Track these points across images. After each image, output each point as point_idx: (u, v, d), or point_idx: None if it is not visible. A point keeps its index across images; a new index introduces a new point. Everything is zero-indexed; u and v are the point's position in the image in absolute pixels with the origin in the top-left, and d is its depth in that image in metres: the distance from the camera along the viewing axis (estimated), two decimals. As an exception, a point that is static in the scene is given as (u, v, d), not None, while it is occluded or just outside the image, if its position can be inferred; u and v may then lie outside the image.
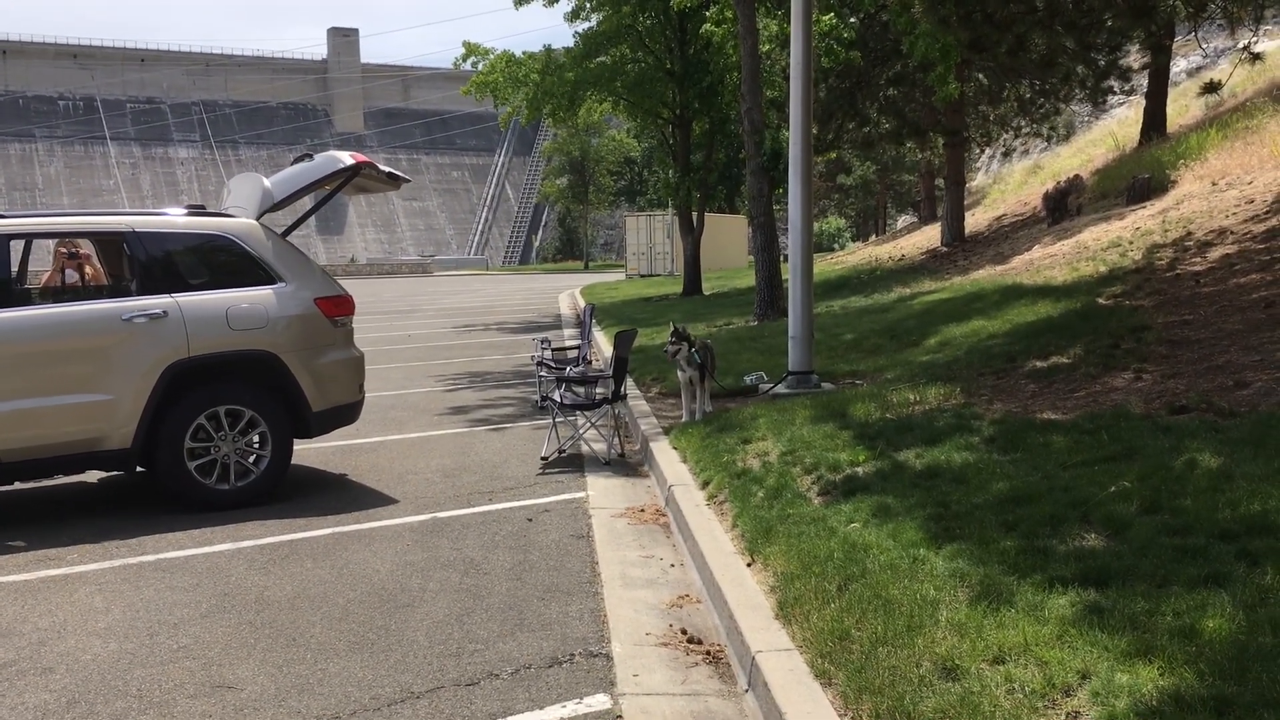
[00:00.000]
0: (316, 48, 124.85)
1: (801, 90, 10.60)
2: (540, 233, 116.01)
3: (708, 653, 4.83)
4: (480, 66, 28.47)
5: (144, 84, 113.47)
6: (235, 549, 6.64)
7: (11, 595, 5.84)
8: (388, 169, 8.70)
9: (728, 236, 53.71)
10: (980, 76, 27.36)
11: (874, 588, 4.69)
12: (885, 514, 5.77)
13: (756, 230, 19.16)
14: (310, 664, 4.75)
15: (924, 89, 23.47)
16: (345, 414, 8.33)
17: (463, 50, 28.50)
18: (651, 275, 50.45)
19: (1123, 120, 35.20)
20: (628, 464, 9.08)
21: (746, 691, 4.37)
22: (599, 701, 4.29)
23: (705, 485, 7.34)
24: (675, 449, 8.71)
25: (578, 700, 4.30)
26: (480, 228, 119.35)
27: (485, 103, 30.52)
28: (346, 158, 8.25)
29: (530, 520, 7.19)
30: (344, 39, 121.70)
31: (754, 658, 4.35)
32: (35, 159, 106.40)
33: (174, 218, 7.84)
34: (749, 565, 5.58)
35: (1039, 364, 9.32)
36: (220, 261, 7.88)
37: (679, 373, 9.73)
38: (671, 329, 9.60)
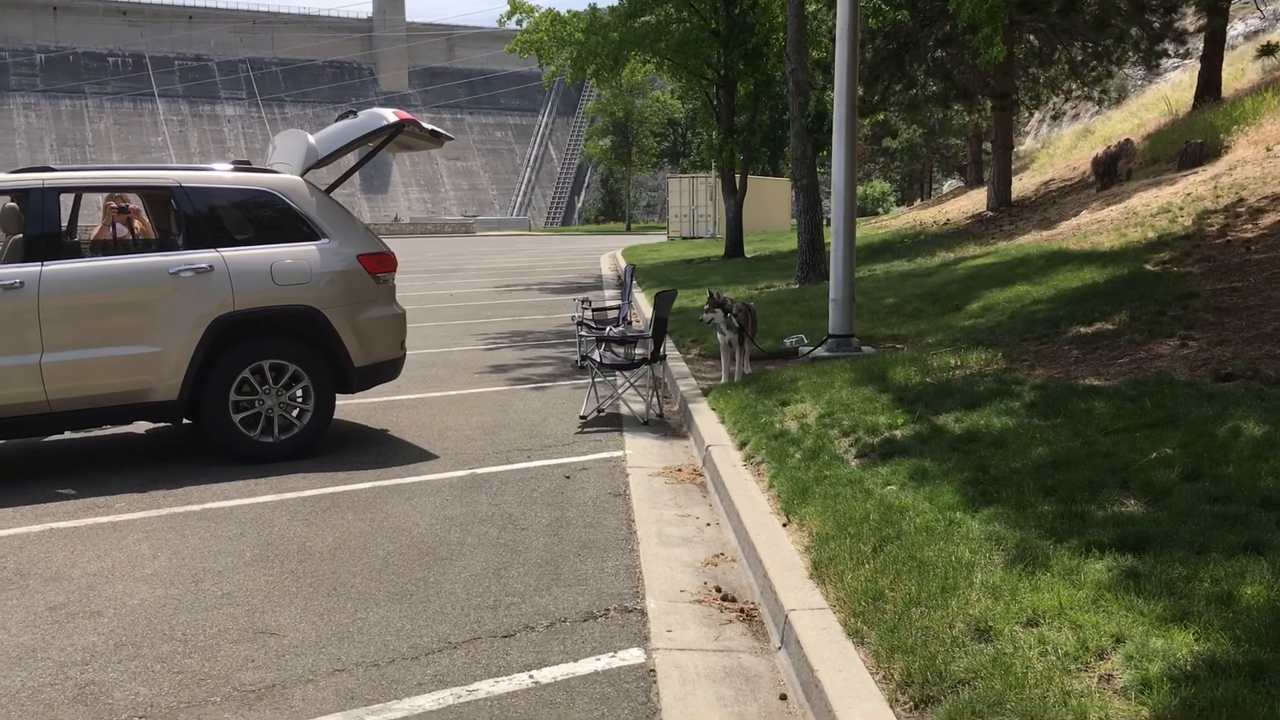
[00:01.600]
0: (362, 6, 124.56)
1: (847, 51, 10.48)
2: (583, 194, 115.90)
3: (741, 610, 4.86)
4: (525, 24, 28.39)
5: (191, 41, 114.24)
6: (278, 500, 6.75)
7: (62, 541, 5.99)
8: (430, 126, 8.72)
9: (771, 199, 53.41)
10: (1031, 38, 26.91)
11: (909, 549, 4.69)
12: (922, 477, 5.76)
13: (799, 193, 19.02)
14: (350, 613, 4.84)
15: (972, 51, 23.09)
16: (387, 370, 8.41)
17: (507, 8, 28.40)
18: (693, 237, 50.29)
19: (1176, 84, 34.51)
20: (666, 424, 9.11)
21: (779, 649, 4.40)
22: (633, 655, 4.34)
23: (743, 446, 7.36)
24: (714, 410, 8.72)
25: (612, 654, 4.36)
26: (523, 188, 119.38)
27: (529, 62, 30.54)
28: (390, 115, 8.27)
29: (568, 478, 7.25)
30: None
31: (787, 616, 4.38)
32: (85, 115, 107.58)
33: (220, 173, 7.92)
34: (784, 525, 5.60)
35: (1083, 330, 9.22)
36: (265, 217, 7.95)
37: (719, 335, 9.73)
38: (708, 295, 9.60)
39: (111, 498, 6.86)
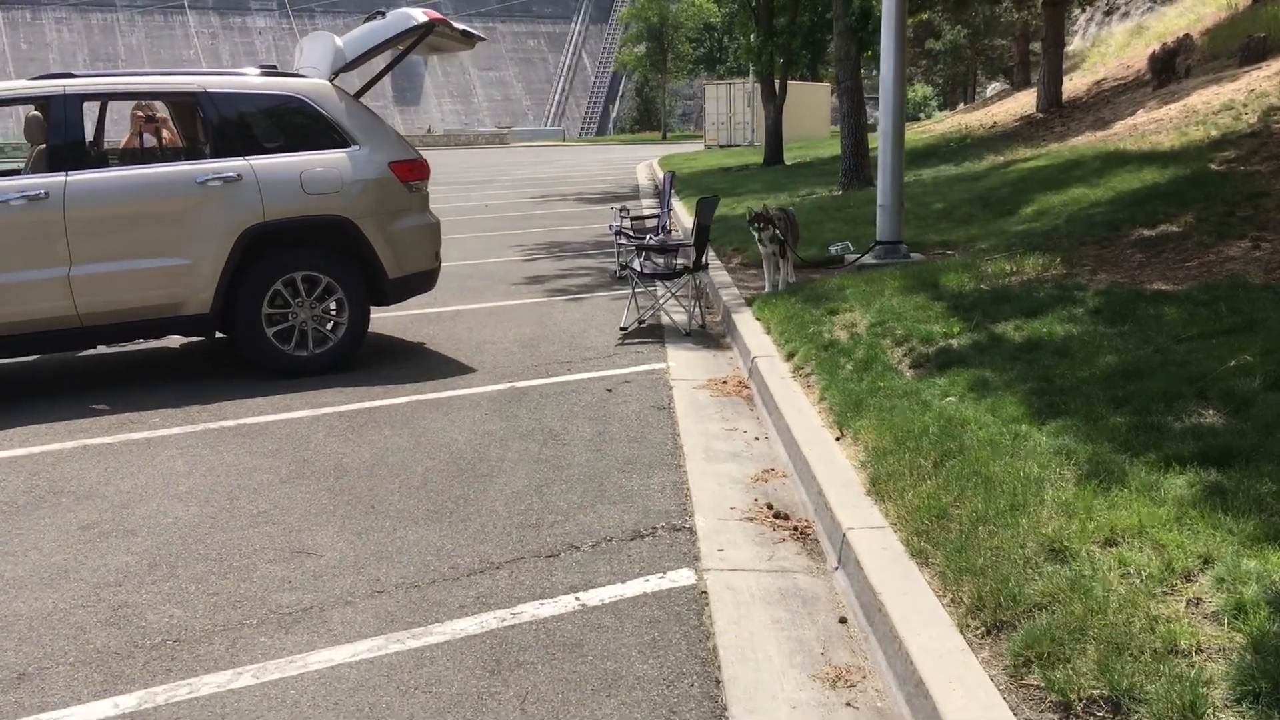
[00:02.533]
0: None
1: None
2: (617, 103, 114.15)
3: (795, 529, 4.65)
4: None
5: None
6: (314, 415, 6.59)
7: (95, 457, 5.86)
8: (461, 26, 8.36)
9: (810, 105, 52.24)
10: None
11: (973, 464, 4.44)
12: (983, 388, 5.48)
13: (842, 95, 18.41)
14: (389, 532, 4.67)
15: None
16: (422, 282, 8.18)
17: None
18: (731, 145, 49.43)
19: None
20: (709, 335, 8.85)
21: (836, 569, 4.19)
22: (683, 576, 4.15)
23: (790, 357, 7.09)
24: (758, 320, 8.45)
25: (660, 575, 4.16)
26: (556, 98, 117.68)
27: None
28: (419, 15, 7.91)
29: (610, 391, 7.03)
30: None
31: (845, 535, 4.16)
32: (117, 29, 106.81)
33: (246, 78, 7.62)
34: (838, 440, 5.36)
35: (1146, 233, 8.81)
36: (293, 124, 7.67)
37: (760, 246, 9.40)
38: (750, 214, 9.24)
39: (146, 413, 6.73)
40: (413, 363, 8.02)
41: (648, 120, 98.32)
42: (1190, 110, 16.03)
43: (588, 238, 15.98)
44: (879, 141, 10.33)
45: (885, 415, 5.29)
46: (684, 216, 16.92)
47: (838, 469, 4.90)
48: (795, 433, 5.52)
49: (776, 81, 29.74)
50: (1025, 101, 30.19)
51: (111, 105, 8.25)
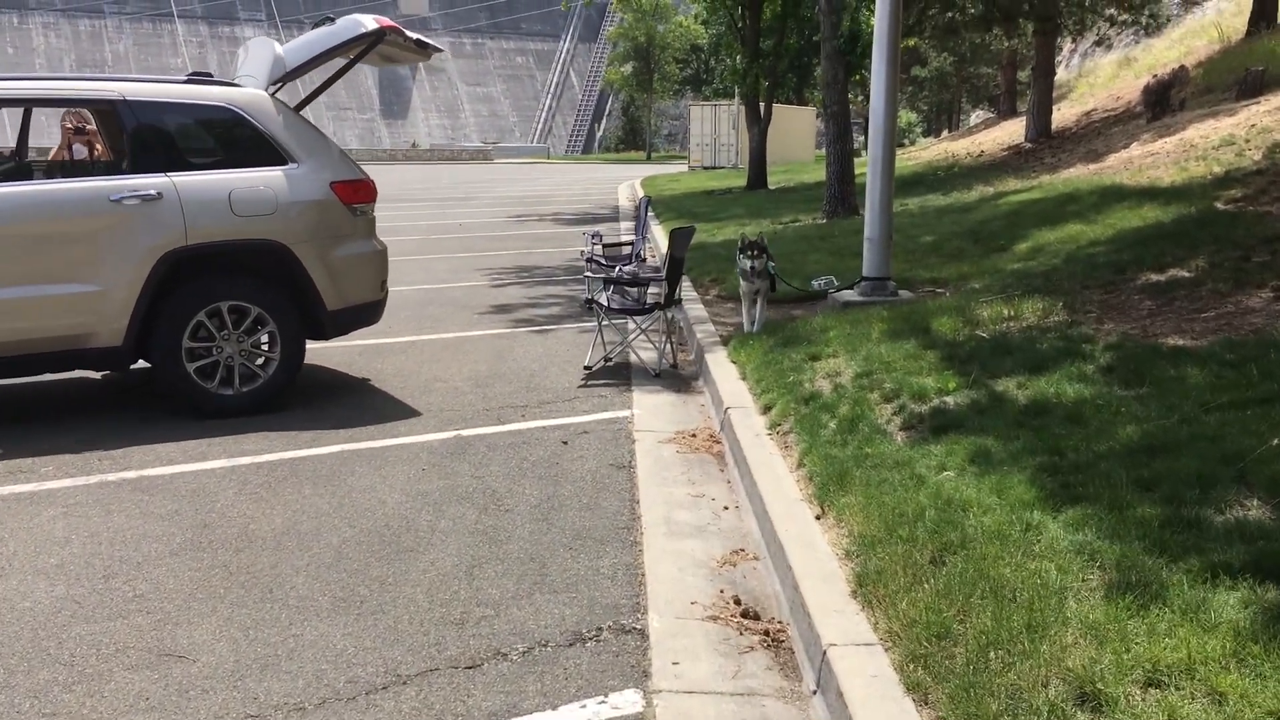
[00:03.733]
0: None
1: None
2: (604, 122, 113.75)
3: (766, 633, 3.93)
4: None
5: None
6: (229, 467, 5.84)
7: (-34, 517, 5.10)
8: (416, 36, 7.65)
9: (795, 129, 51.77)
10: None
11: (978, 563, 3.73)
12: (985, 461, 4.78)
13: (829, 120, 17.80)
14: (284, 627, 3.92)
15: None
16: (364, 314, 7.44)
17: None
18: (715, 167, 48.86)
19: (1220, 11, 32.81)
20: (680, 376, 8.15)
21: (814, 694, 3.47)
22: (628, 701, 3.41)
23: (767, 410, 6.39)
24: (734, 363, 7.75)
25: (601, 698, 3.43)
26: (543, 115, 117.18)
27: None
28: (370, 22, 7.21)
29: (566, 443, 6.31)
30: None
31: (825, 652, 3.44)
32: (105, 35, 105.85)
33: (171, 85, 6.88)
34: (818, 518, 4.64)
35: (1154, 277, 8.16)
36: (224, 137, 6.95)
37: (741, 281, 8.68)
38: (743, 242, 8.54)
39: (40, 459, 5.95)
40: (352, 403, 7.27)
41: (633, 140, 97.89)
42: (1188, 144, 15.47)
43: (560, 261, 15.27)
44: (867, 170, 9.67)
45: (873, 491, 4.59)
46: (662, 242, 16.23)
47: (818, 557, 4.18)
48: (770, 506, 4.81)
49: (762, 104, 29.16)
50: (1012, 130, 29.72)
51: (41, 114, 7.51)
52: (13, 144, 8.16)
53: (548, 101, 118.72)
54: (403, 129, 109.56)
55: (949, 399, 5.83)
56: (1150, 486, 4.25)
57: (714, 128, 51.36)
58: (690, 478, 5.73)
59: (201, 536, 4.81)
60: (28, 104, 6.95)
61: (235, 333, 6.82)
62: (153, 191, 6.51)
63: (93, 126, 8.99)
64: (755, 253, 8.41)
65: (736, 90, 33.63)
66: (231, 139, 6.92)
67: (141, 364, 6.90)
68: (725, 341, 8.45)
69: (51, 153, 9.35)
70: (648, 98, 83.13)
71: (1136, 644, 3.11)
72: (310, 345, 7.65)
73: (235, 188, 6.72)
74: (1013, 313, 7.68)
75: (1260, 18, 24.63)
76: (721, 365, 7.73)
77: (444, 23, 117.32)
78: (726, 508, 5.28)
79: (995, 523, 4.07)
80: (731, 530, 4.97)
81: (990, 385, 5.92)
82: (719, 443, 6.35)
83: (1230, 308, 6.96)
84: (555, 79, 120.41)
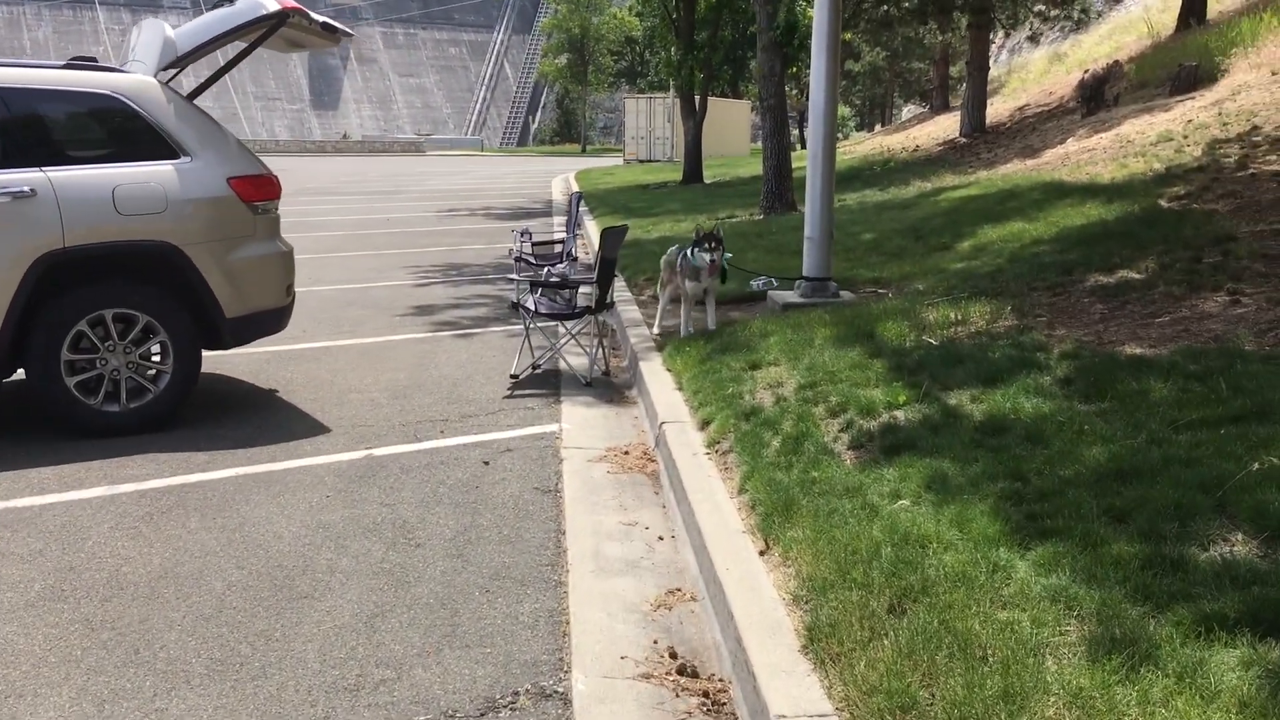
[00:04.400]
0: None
1: (832, -60, 8.88)
2: (539, 114, 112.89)
3: (705, 694, 3.46)
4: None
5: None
6: (108, 496, 5.24)
7: None
8: (323, 19, 7.06)
9: (730, 122, 51.55)
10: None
11: (942, 614, 3.31)
12: (943, 487, 4.37)
13: (765, 114, 17.41)
14: (146, 700, 3.38)
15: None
16: (267, 321, 6.84)
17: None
18: (650, 161, 48.43)
19: (1148, 8, 33.01)
20: (613, 385, 7.68)
21: (761, 773, 3.02)
22: (545, 790, 2.93)
23: (705, 425, 5.93)
24: (669, 371, 7.29)
25: (514, 786, 2.95)
26: (478, 107, 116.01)
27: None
28: (272, 3, 6.61)
29: (487, 463, 5.80)
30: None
31: (773, 725, 2.99)
32: (23, 22, 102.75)
33: (47, 71, 6.22)
34: (762, 554, 4.19)
35: (1103, 279, 7.84)
36: (107, 128, 6.32)
37: (686, 283, 8.18)
38: (699, 234, 8.06)
39: (-106, 489, 5.32)
40: (257, 418, 6.69)
41: (568, 132, 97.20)
42: (1124, 140, 15.32)
43: (490, 259, 14.70)
44: (807, 166, 9.26)
45: (823, 524, 4.15)
46: (595, 239, 15.74)
47: (763, 603, 3.73)
48: (709, 538, 4.35)
49: (697, 97, 28.76)
50: (947, 125, 29.66)
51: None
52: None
53: (482, 93, 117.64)
54: (334, 120, 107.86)
55: (899, 414, 5.42)
56: (1124, 517, 3.86)
57: (649, 121, 50.93)
58: (622, 502, 5.26)
59: (65, 583, 4.24)
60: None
61: (121, 343, 6.21)
62: (25, 188, 5.87)
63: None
64: (714, 245, 7.93)
65: (671, 83, 33.19)
66: (116, 130, 6.30)
67: (20, 376, 6.28)
68: (660, 348, 7.99)
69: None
70: (582, 90, 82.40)
71: (1128, 717, 2.70)
72: (214, 354, 7.08)
73: (120, 184, 6.10)
74: (960, 316, 7.32)
75: (1190, 13, 24.70)
76: (657, 374, 7.27)
77: (375, 12, 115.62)
78: (661, 538, 4.82)
79: (958, 563, 3.65)
80: (667, 565, 4.51)
81: (943, 399, 5.52)
82: (654, 461, 5.89)
83: (1185, 312, 6.64)
84: (489, 70, 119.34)
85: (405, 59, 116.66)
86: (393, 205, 25.32)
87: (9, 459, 5.76)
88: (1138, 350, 5.94)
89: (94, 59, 6.65)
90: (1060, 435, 4.73)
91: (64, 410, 6.11)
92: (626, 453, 6.03)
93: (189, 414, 6.60)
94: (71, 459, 5.77)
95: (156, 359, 6.36)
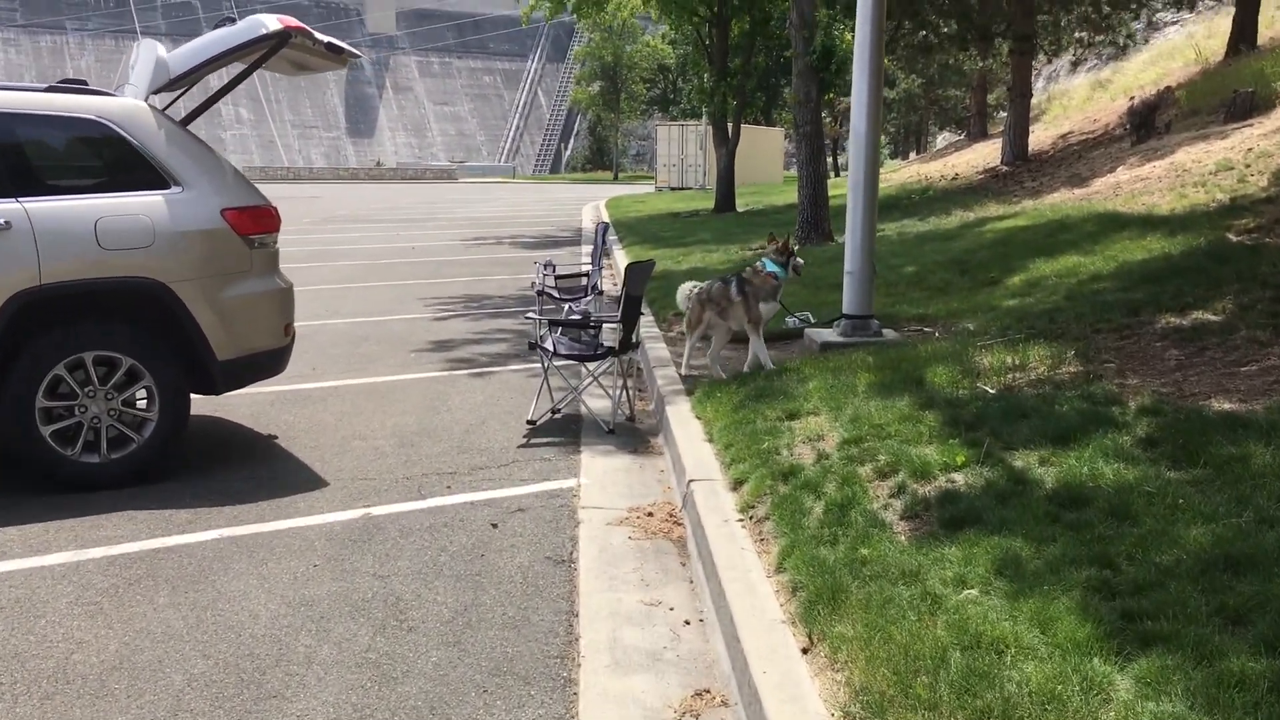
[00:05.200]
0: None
1: (877, -44, 8.33)
2: (571, 141, 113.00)
3: (739, 841, 2.86)
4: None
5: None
6: (72, 563, 4.71)
7: None
8: (328, 39, 6.58)
9: (763, 149, 51.06)
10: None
11: (1031, 749, 2.69)
12: (1017, 574, 3.75)
13: (801, 141, 16.86)
14: (67, 839, 2.82)
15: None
16: (264, 363, 6.32)
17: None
18: (682, 188, 47.97)
19: (1191, 35, 32.22)
20: (637, 431, 7.10)
21: None
22: None
23: (738, 485, 5.33)
24: (699, 419, 6.70)
25: None
26: (511, 135, 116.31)
27: (519, 4, 28.01)
28: (273, 22, 6.13)
29: (495, 526, 5.23)
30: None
31: None
32: (66, 52, 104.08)
33: (28, 95, 5.75)
34: (805, 651, 3.58)
35: (1175, 321, 7.19)
36: (92, 156, 5.86)
37: (761, 305, 7.56)
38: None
39: None
40: (249, 469, 6.16)
41: (600, 160, 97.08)
42: (1180, 169, 14.63)
43: (513, 290, 14.18)
44: (848, 196, 8.68)
45: (877, 618, 3.54)
46: (623, 268, 15.22)
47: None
48: (742, 628, 3.75)
49: (729, 124, 28.26)
50: (985, 153, 28.99)
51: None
52: None
53: (515, 121, 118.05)
54: (369, 147, 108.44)
55: (958, 478, 4.80)
56: (1241, 620, 3.24)
57: (681, 148, 50.55)
58: (644, 576, 4.66)
59: (5, 674, 3.69)
60: None
61: (103, 389, 5.69)
62: (0, 220, 5.39)
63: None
64: (786, 257, 7.65)
65: (704, 110, 32.76)
66: (102, 158, 5.83)
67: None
68: (690, 391, 7.40)
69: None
70: (615, 117, 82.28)
71: None
72: (213, 397, 6.57)
73: (104, 216, 5.61)
74: (1018, 361, 6.69)
75: (1240, 39, 23.98)
76: (684, 421, 6.68)
77: (411, 41, 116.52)
78: (688, 622, 4.22)
79: (1044, 677, 3.04)
80: (694, 659, 3.91)
81: (1007, 460, 4.90)
82: (680, 524, 5.30)
83: (1275, 360, 5.98)
84: (523, 98, 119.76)
85: (440, 87, 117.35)
86: (419, 233, 24.94)
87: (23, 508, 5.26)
88: (1227, 406, 5.29)
89: (84, 81, 6.19)
90: (1151, 511, 4.10)
91: (38, 461, 5.60)
92: (650, 514, 5.45)
93: (176, 463, 6.07)
94: (41, 517, 5.25)
95: (141, 405, 5.84)
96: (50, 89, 5.83)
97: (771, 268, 7.60)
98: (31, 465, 5.63)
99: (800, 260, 7.86)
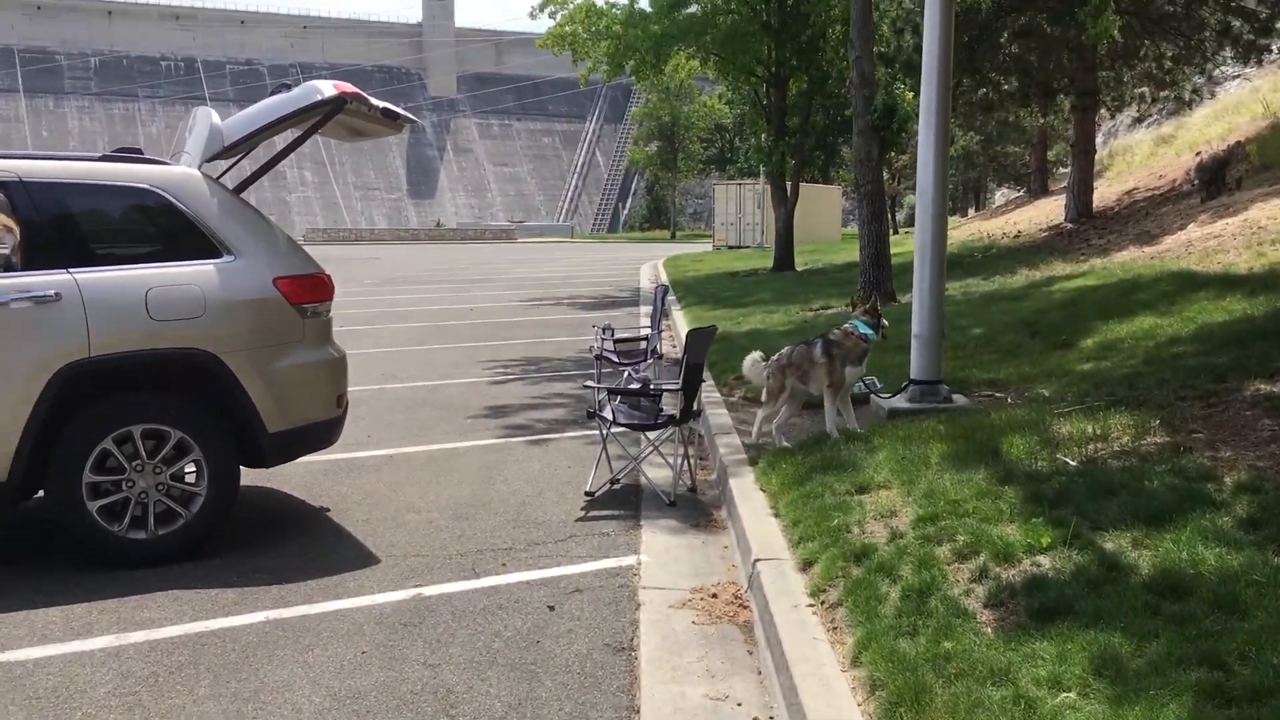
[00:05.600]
0: (412, 11, 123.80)
1: (940, 7, 8.13)
2: (629, 200, 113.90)
3: None
4: (559, 18, 26.22)
5: (243, 46, 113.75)
6: (114, 648, 4.54)
7: None
8: (383, 104, 6.50)
9: (822, 208, 50.96)
10: (1115, 34, 24.30)
11: None
12: (1118, 675, 3.42)
13: (862, 200, 16.63)
14: None
15: (1060, 40, 20.59)
16: (316, 435, 6.17)
17: (540, 1, 26.28)
18: (740, 247, 47.92)
19: (1257, 89, 31.64)
20: (699, 504, 6.84)
21: None
22: None
23: (807, 566, 5.05)
24: (763, 491, 6.43)
25: None
26: (570, 195, 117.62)
27: (578, 67, 28.29)
28: (328, 88, 6.07)
29: (552, 609, 4.98)
30: (439, 2, 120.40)
31: None
32: (138, 118, 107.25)
33: (80, 164, 5.72)
34: (887, 761, 3.29)
35: (1265, 388, 6.81)
36: (143, 225, 5.81)
37: (847, 369, 7.30)
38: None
39: (-117, 633, 4.69)
40: (300, 544, 5.98)
41: (658, 219, 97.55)
42: (1256, 226, 14.17)
43: (571, 353, 14.02)
44: (915, 256, 8.42)
45: (965, 725, 3.23)
46: (682, 331, 15.02)
47: (892, 845, 2.82)
48: (816, 732, 3.46)
49: (788, 183, 28.14)
50: (1048, 210, 28.59)
51: None
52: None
53: (574, 181, 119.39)
54: (430, 208, 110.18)
55: (1044, 561, 4.48)
56: (1379, 736, 2.89)
57: (739, 206, 50.61)
58: (709, 666, 4.39)
59: (33, 774, 3.51)
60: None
61: (151, 463, 5.56)
62: (50, 292, 5.32)
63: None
64: (874, 316, 7.48)
65: (762, 169, 32.73)
66: (154, 227, 5.77)
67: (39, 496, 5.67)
68: (754, 461, 7.14)
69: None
70: (672, 176, 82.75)
71: None
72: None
73: (154, 286, 5.53)
74: (1099, 431, 6.35)
75: (1310, 92, 23.47)
76: (749, 494, 6.41)
77: (471, 105, 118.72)
78: (756, 719, 3.93)
79: (1160, 801, 2.72)
80: (763, 763, 3.62)
81: (1096, 542, 4.57)
82: (746, 607, 5.02)
83: (1381, 432, 5.60)
84: (581, 159, 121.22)
85: (500, 149, 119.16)
86: (478, 294, 25.00)
87: (17, 597, 5.11)
88: (1334, 482, 4.92)
89: (139, 150, 6.16)
90: (1262, 604, 3.75)
91: (85, 538, 5.46)
92: (715, 595, 5.17)
93: (225, 538, 5.91)
94: (84, 597, 5.10)
95: (190, 479, 5.71)
96: (104, 158, 5.80)
97: (863, 329, 7.35)
98: (78, 541, 5.50)
99: (885, 322, 7.61)
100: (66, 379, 5.31)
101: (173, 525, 5.63)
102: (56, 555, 5.71)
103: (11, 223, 6.01)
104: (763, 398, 7.74)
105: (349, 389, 6.57)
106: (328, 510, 6.67)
